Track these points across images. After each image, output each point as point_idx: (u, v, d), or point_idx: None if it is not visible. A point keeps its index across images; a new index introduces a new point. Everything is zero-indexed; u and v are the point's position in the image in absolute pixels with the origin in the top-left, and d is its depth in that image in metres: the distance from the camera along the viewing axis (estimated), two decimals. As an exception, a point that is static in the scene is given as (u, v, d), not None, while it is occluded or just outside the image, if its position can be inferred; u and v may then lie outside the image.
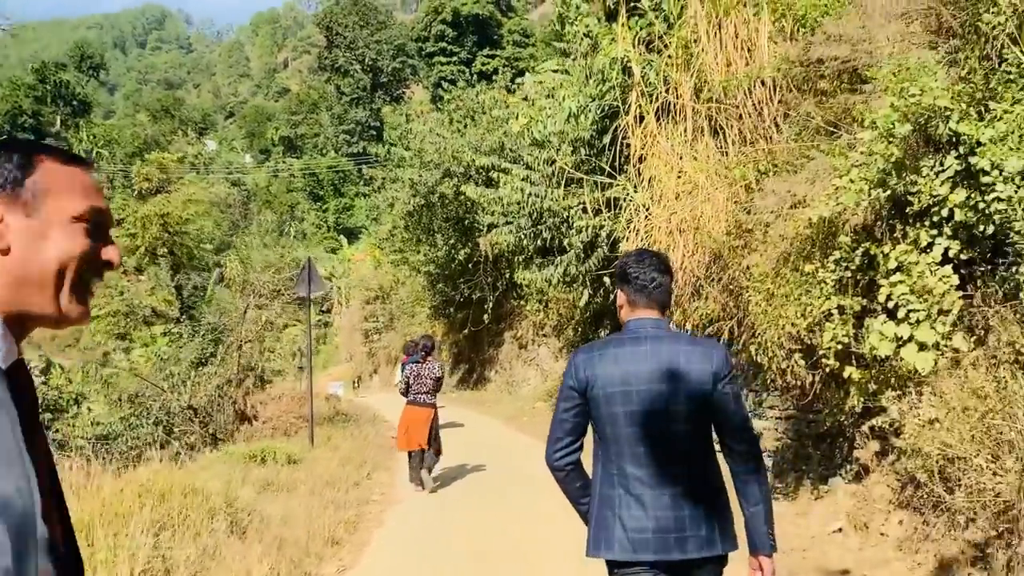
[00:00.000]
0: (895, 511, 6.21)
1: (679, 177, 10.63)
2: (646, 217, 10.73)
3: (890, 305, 6.09)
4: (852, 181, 6.17)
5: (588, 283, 12.96)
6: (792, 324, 6.44)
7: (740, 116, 9.83)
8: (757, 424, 9.06)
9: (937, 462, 5.64)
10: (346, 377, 33.77)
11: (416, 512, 7.89)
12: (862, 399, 6.43)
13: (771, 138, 9.61)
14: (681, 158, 10.70)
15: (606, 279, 12.80)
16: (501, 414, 18.11)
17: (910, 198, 6.07)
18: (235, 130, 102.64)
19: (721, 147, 10.36)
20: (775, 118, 9.46)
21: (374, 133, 69.46)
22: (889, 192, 5.98)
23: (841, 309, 6.33)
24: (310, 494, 7.61)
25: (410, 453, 9.84)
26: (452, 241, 21.33)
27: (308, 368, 12.11)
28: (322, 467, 9.36)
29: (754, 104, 9.66)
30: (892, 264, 6.13)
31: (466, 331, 23.36)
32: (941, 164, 5.96)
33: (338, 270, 50.31)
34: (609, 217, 12.14)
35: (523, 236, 13.65)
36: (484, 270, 20.74)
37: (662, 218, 10.45)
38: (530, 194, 13.14)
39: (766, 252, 8.14)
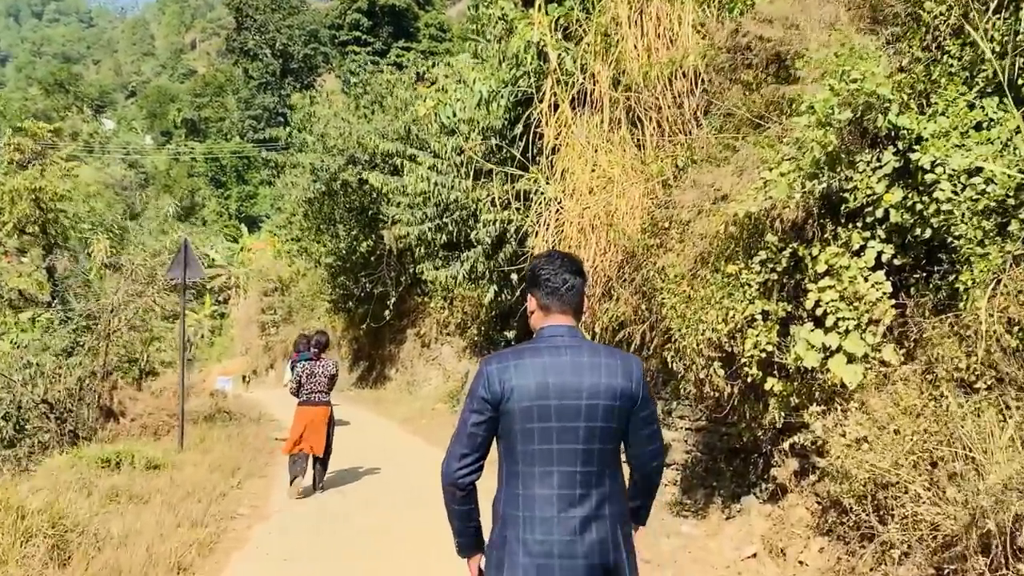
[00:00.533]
0: (815, 537, 5.68)
1: (593, 170, 10.02)
2: (557, 211, 10.07)
3: (818, 312, 5.55)
4: (783, 174, 5.61)
5: (495, 280, 12.24)
6: (712, 330, 5.84)
7: (659, 108, 9.27)
8: (666, 435, 8.50)
9: (865, 486, 5.12)
10: (241, 371, 32.18)
11: (288, 529, 6.99)
12: (783, 413, 5.89)
13: (691, 132, 9.08)
14: (596, 150, 10.09)
15: (514, 276, 12.12)
16: (398, 415, 17.23)
17: (844, 195, 5.55)
18: (135, 110, 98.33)
19: (638, 140, 9.80)
20: (696, 111, 8.93)
21: (282, 120, 67.29)
22: (824, 185, 5.44)
23: (765, 314, 5.77)
24: (165, 507, 6.62)
25: (293, 456, 9.02)
26: (354, 232, 20.33)
27: (182, 361, 10.98)
28: (187, 474, 8.35)
29: (674, 96, 9.11)
30: (821, 267, 5.60)
31: (367, 327, 22.38)
32: (878, 160, 5.46)
33: (237, 259, 48.38)
34: (519, 210, 11.45)
35: (428, 229, 12.83)
36: (387, 264, 19.83)
37: (574, 213, 9.82)
38: (436, 184, 12.35)
39: (683, 252, 7.58)
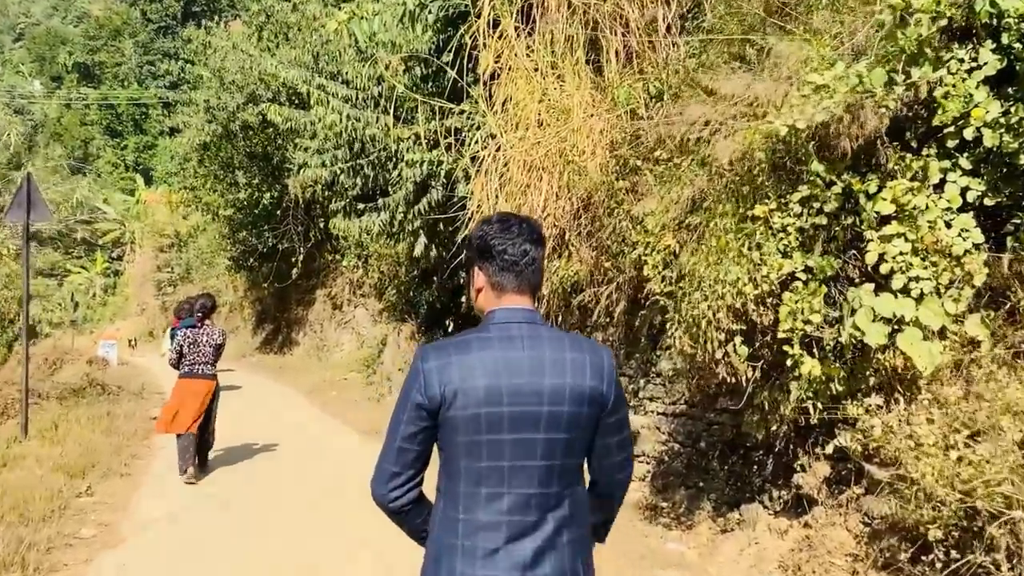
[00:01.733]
0: (870, 573, 4.22)
1: (542, 100, 8.32)
2: (497, 150, 8.35)
3: (882, 270, 4.04)
4: (839, 77, 4.03)
5: (421, 232, 10.46)
6: (739, 293, 4.26)
7: (626, 21, 7.61)
8: (634, 420, 6.97)
9: (957, 512, 3.67)
10: (131, 333, 29.51)
11: (143, 561, 5.14)
12: (818, 405, 4.38)
13: (667, 53, 7.47)
14: (545, 76, 8.39)
15: (441, 226, 10.39)
16: (306, 385, 15.36)
17: (920, 109, 4.02)
18: (23, 54, 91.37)
19: (598, 63, 8.15)
20: (670, 23, 7.32)
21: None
22: (901, 91, 3.89)
23: (810, 272, 4.21)
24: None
25: (182, 441, 7.79)
26: (256, 181, 18.17)
27: (24, 321, 8.84)
28: (20, 475, 6.41)
29: (643, 5, 7.48)
30: (885, 207, 4.08)
31: (271, 287, 20.28)
32: (974, 57, 3.94)
33: (132, 213, 45.11)
34: (449, 150, 9.68)
35: (340, 172, 10.92)
36: (294, 217, 17.77)
37: (519, 151, 8.11)
38: (350, 118, 10.43)
39: (670, 194, 5.99)
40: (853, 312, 3.95)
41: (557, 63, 8.40)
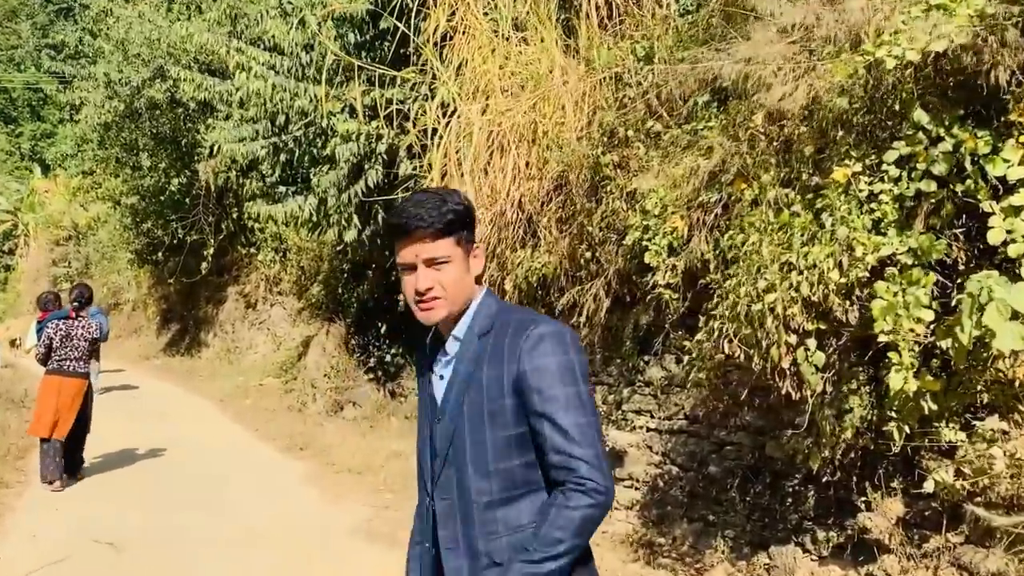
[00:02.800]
0: (984, 653, 3.23)
1: (503, 66, 7.20)
2: (451, 115, 7.17)
3: (1012, 252, 3.07)
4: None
5: (352, 218, 9.19)
6: (820, 282, 3.21)
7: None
8: (618, 437, 5.91)
9: None
10: (15, 333, 27.03)
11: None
12: (904, 427, 3.37)
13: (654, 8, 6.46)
14: (507, 38, 7.27)
15: (380, 212, 9.15)
16: (216, 391, 13.82)
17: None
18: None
19: (570, 22, 7.09)
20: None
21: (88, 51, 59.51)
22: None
23: (915, 254, 3.19)
24: None
25: (44, 448, 7.08)
26: (163, 166, 16.48)
27: None
28: None
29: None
30: (1014, 173, 3.12)
31: (178, 283, 18.55)
32: None
33: (26, 204, 42.00)
34: (389, 123, 8.47)
35: (262, 149, 9.55)
36: (204, 206, 16.16)
37: (479, 123, 6.97)
38: (275, 86, 9.09)
39: (678, 167, 4.96)
40: (981, 308, 2.95)
41: (522, 22, 7.31)
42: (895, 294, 3.13)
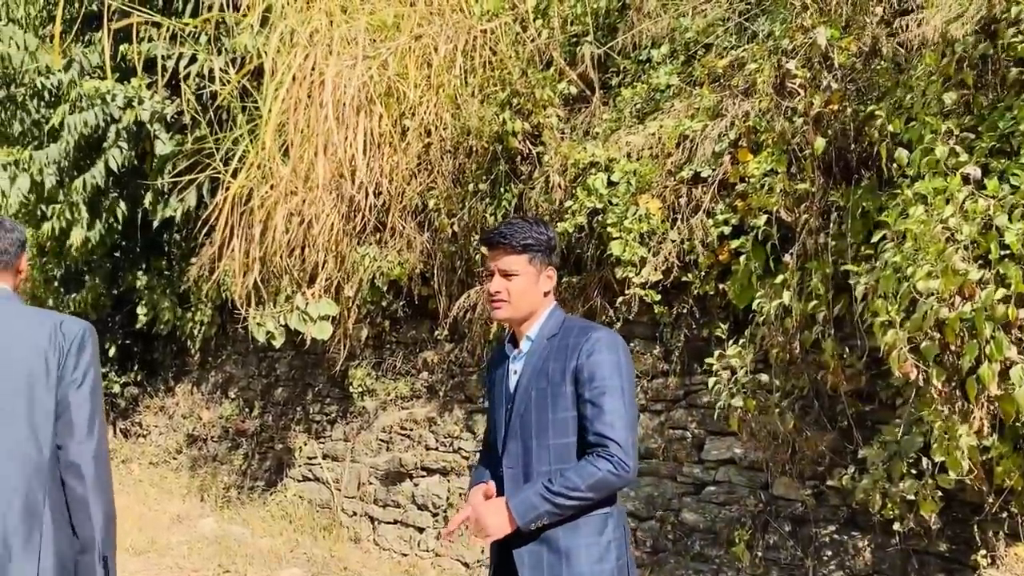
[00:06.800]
0: None
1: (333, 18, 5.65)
2: (272, 79, 5.47)
3: None
4: None
5: (81, 209, 6.96)
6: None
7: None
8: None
9: None
10: None
11: None
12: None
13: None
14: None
15: (120, 206, 7.02)
16: None
17: None
18: None
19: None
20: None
21: None
22: None
23: None
24: None
25: None
26: None
27: None
28: None
29: None
30: None
31: None
32: None
33: None
34: (152, 86, 6.50)
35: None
36: None
37: (303, 87, 5.37)
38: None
39: (647, 126, 3.98)
40: None
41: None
42: None
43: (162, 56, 6.41)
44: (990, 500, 2.84)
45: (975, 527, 2.99)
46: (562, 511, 2.03)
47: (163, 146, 6.79)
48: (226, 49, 6.07)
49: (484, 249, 2.29)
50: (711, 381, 3.46)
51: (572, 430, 2.10)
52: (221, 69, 5.98)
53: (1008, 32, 2.57)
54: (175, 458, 7.59)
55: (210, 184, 6.43)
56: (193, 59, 6.29)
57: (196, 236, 6.81)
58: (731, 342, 3.52)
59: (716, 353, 3.54)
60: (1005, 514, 2.94)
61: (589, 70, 4.57)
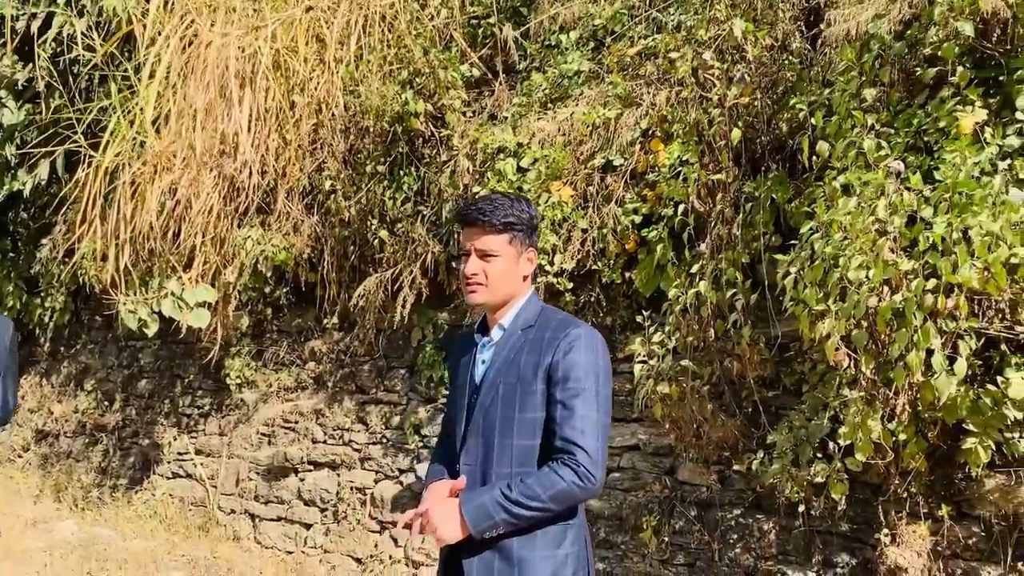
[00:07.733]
0: None
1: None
2: (148, 48, 5.06)
3: None
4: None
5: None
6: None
7: None
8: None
9: None
10: None
11: None
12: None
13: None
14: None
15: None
16: None
17: None
18: None
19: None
20: None
21: None
22: None
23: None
24: None
25: None
26: None
27: None
28: None
29: None
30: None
31: None
32: None
33: None
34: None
35: None
36: None
37: (182, 51, 5.01)
38: None
39: (558, 113, 3.95)
40: None
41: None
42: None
43: (12, 16, 5.83)
44: (896, 482, 2.97)
45: (879, 507, 3.13)
46: (519, 521, 1.89)
47: (11, 115, 6.19)
48: (88, 11, 5.57)
49: (462, 229, 2.08)
50: (637, 368, 3.45)
51: (538, 432, 1.95)
52: (83, 33, 5.48)
53: (929, 32, 2.68)
54: (21, 456, 6.97)
55: (67, 159, 5.91)
56: (49, 20, 5.74)
57: (48, 215, 6.27)
58: (652, 329, 3.52)
59: (638, 340, 3.55)
60: (906, 494, 3.09)
61: (493, 52, 4.49)
